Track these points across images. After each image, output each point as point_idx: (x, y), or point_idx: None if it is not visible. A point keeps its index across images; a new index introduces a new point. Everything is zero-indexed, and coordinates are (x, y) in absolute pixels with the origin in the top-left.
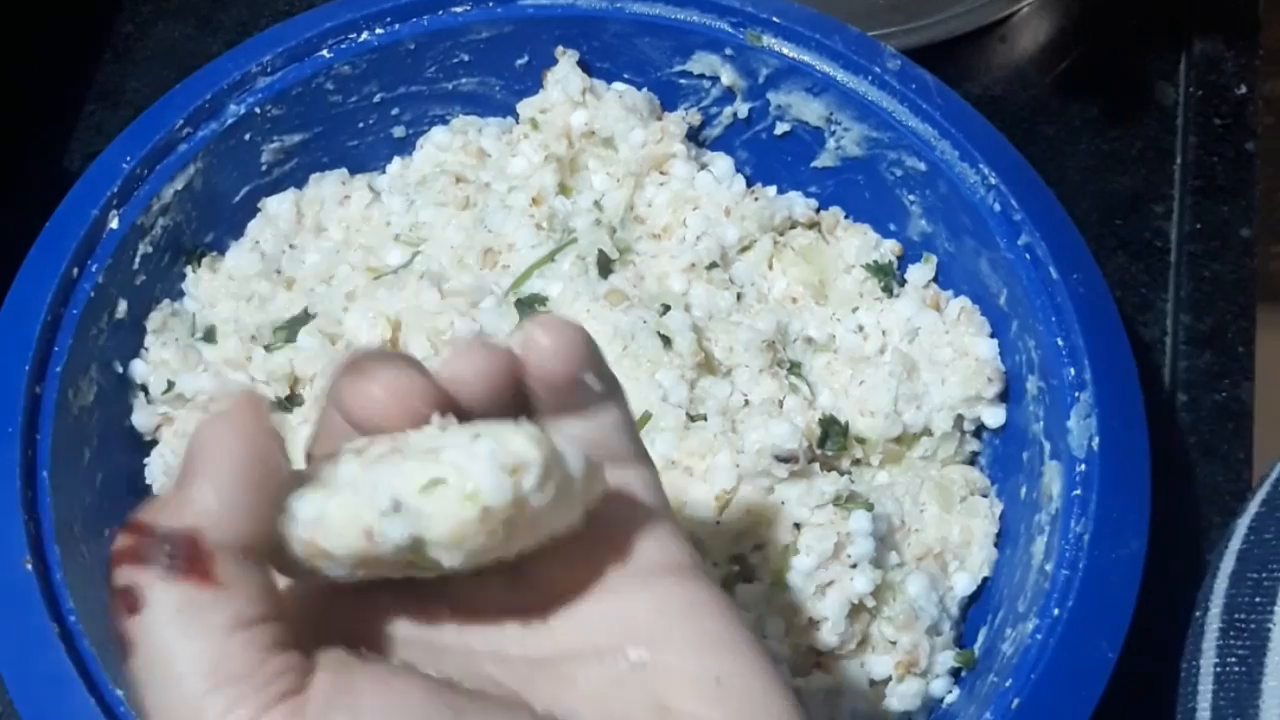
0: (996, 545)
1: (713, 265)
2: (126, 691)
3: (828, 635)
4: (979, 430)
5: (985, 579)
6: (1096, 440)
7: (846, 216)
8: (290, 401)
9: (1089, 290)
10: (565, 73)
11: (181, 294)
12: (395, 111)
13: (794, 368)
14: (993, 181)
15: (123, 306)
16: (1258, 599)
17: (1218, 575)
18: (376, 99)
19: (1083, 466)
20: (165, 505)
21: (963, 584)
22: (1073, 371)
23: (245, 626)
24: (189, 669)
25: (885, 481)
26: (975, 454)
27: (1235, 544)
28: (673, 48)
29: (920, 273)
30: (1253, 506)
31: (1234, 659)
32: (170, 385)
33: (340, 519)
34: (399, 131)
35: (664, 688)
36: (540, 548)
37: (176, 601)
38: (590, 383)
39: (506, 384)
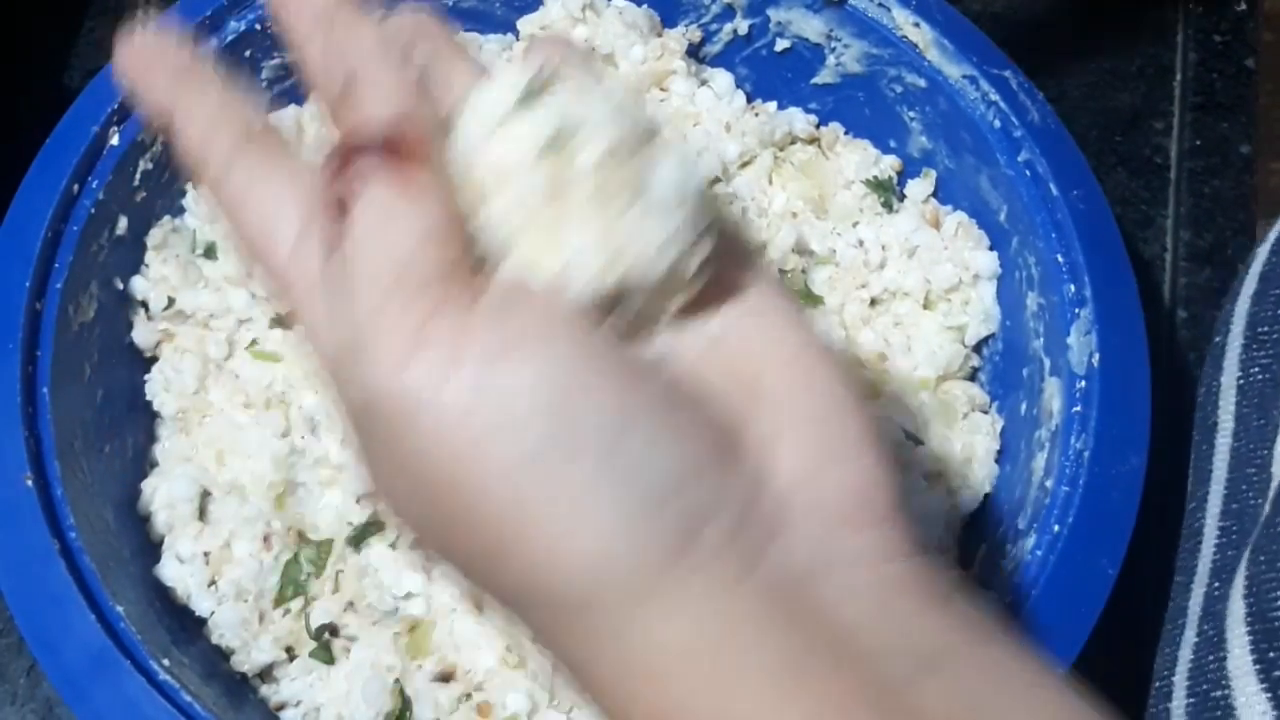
0: (997, 462)
1: (715, 180)
2: (125, 607)
3: None
4: (980, 345)
5: (986, 495)
6: (1097, 357)
7: (846, 133)
8: (294, 317)
9: (1089, 207)
10: None
11: (182, 210)
12: None
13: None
14: (993, 98)
15: (123, 223)
16: (1279, 312)
17: (1239, 298)
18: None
19: (1083, 383)
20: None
21: (965, 501)
22: (1073, 288)
23: (436, 238)
24: (382, 267)
25: (889, 398)
26: (976, 369)
27: (1257, 267)
28: None
29: (919, 188)
30: (1273, 234)
31: (1257, 369)
32: (171, 301)
33: None
34: None
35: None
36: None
37: (385, 198)
38: None
39: None
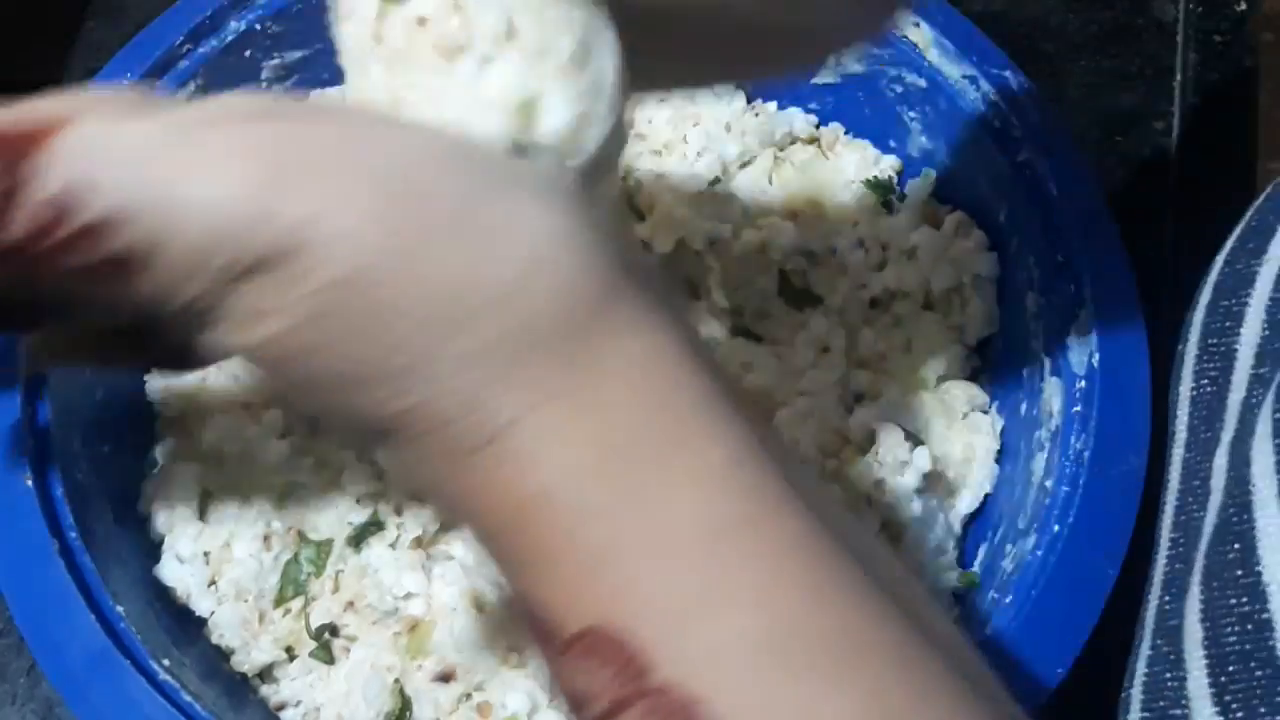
0: (997, 462)
1: (714, 181)
2: (125, 607)
3: None
4: (980, 345)
5: (986, 495)
6: (1096, 357)
7: (846, 133)
8: None
9: (1089, 207)
10: None
11: None
12: None
13: None
14: (993, 98)
15: None
16: (1228, 324)
17: (1196, 308)
18: None
19: (1083, 383)
20: None
21: (965, 501)
22: (1072, 288)
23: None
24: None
25: (889, 398)
26: (976, 369)
27: (1211, 278)
28: None
29: (919, 188)
30: (1230, 243)
31: (1206, 380)
32: None
33: None
34: None
35: None
36: None
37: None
38: None
39: None
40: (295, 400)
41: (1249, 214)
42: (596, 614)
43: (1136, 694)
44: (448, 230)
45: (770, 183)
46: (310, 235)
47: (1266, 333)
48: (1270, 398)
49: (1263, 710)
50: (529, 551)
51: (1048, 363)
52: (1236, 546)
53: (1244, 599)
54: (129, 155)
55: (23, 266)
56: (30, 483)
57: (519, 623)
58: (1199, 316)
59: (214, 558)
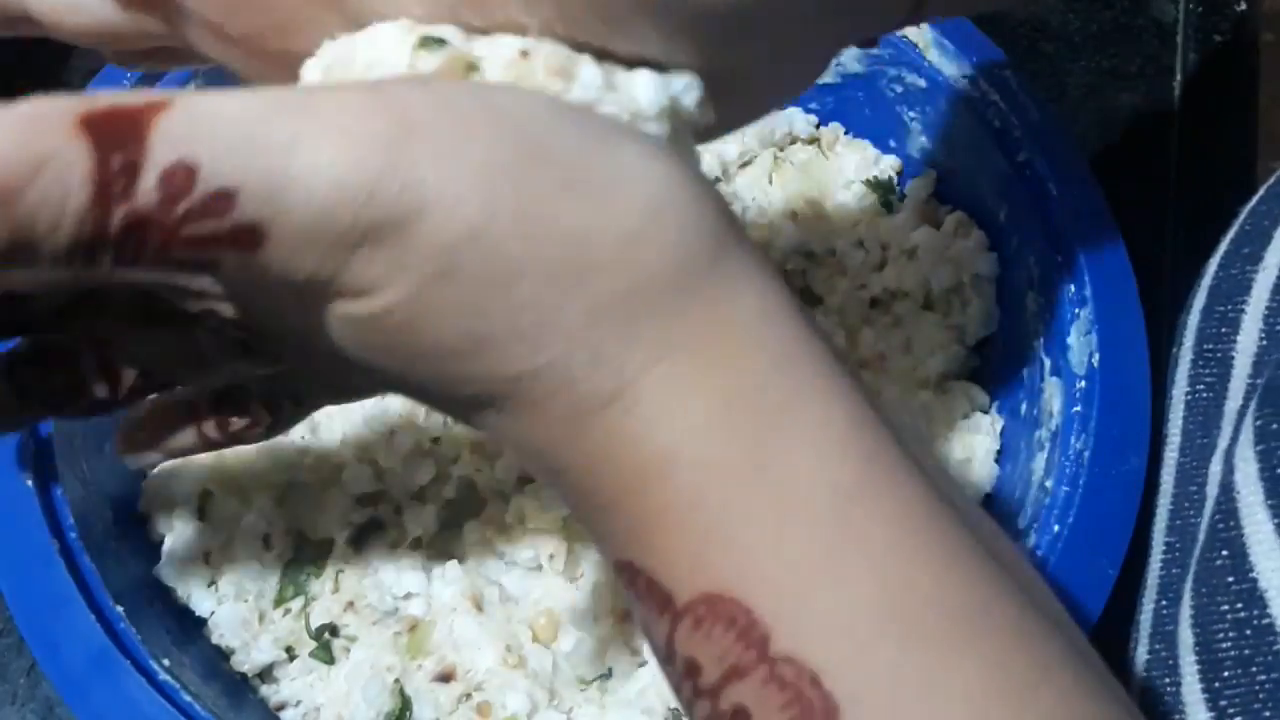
0: (997, 462)
1: (715, 180)
2: (125, 607)
3: None
4: (980, 345)
5: (986, 496)
6: (1097, 357)
7: (846, 133)
8: None
9: (1089, 207)
10: None
11: None
12: None
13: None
14: (993, 98)
15: None
16: (1224, 329)
17: (1191, 311)
18: None
19: (1083, 383)
20: None
21: None
22: (1072, 288)
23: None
24: None
25: (889, 399)
26: (976, 369)
27: (1206, 281)
28: None
29: (919, 188)
30: (1223, 245)
31: (1202, 385)
32: None
33: None
34: None
35: None
36: None
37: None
38: None
39: None
40: (405, 378)
41: (1243, 216)
42: (716, 579)
43: (1134, 698)
44: (567, 182)
45: (770, 183)
46: (430, 195)
47: (1264, 342)
48: (1253, 405)
49: (1267, 715)
50: (648, 515)
51: (1048, 363)
52: (1225, 553)
53: (1238, 605)
54: (239, 124)
55: (148, 242)
56: (30, 483)
57: (622, 589)
58: (1194, 320)
59: (214, 558)
